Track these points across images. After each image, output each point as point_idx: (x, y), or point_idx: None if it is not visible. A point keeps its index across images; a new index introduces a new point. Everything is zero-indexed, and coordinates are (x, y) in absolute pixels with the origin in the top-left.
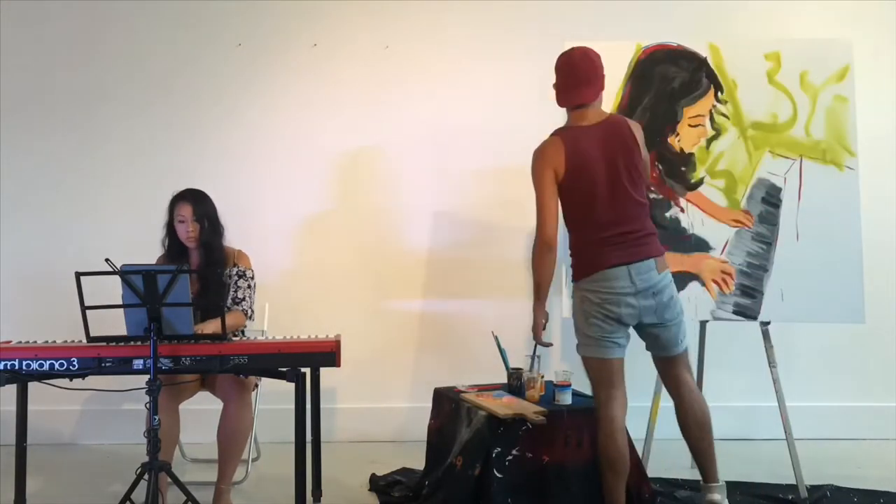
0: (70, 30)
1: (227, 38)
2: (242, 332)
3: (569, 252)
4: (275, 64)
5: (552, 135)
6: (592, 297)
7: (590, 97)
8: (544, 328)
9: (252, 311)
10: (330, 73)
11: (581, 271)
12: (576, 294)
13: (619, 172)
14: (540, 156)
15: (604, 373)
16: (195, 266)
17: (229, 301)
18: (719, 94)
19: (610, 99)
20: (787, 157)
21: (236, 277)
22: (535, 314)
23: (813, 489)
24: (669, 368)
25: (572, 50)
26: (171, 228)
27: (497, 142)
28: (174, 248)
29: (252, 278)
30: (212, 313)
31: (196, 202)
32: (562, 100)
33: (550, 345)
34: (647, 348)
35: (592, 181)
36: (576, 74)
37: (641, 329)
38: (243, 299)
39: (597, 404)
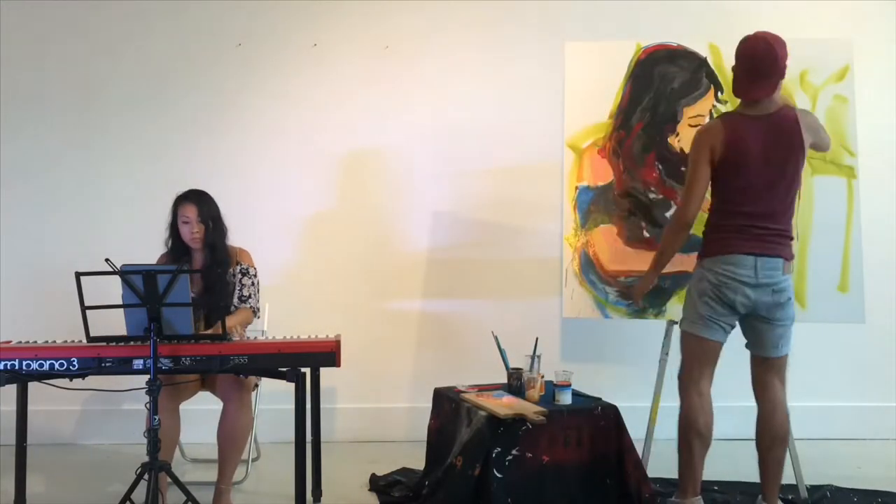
0: (69, 30)
1: (227, 38)
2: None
3: (703, 229)
4: (275, 64)
5: (717, 117)
6: (711, 277)
7: (765, 93)
8: (646, 294)
9: (258, 307)
10: (330, 73)
11: (709, 249)
12: (696, 271)
13: (777, 170)
14: (698, 137)
15: (702, 351)
16: (199, 266)
17: (235, 300)
18: (719, 94)
19: (610, 99)
20: None
21: (240, 275)
22: (646, 277)
23: (813, 489)
24: (762, 371)
25: (756, 39)
26: (174, 229)
27: (497, 142)
28: (177, 248)
29: (255, 275)
30: (216, 313)
31: (200, 203)
32: (737, 90)
33: (642, 307)
34: (747, 346)
35: (746, 174)
36: (756, 68)
37: (748, 322)
38: (249, 296)
39: (686, 379)
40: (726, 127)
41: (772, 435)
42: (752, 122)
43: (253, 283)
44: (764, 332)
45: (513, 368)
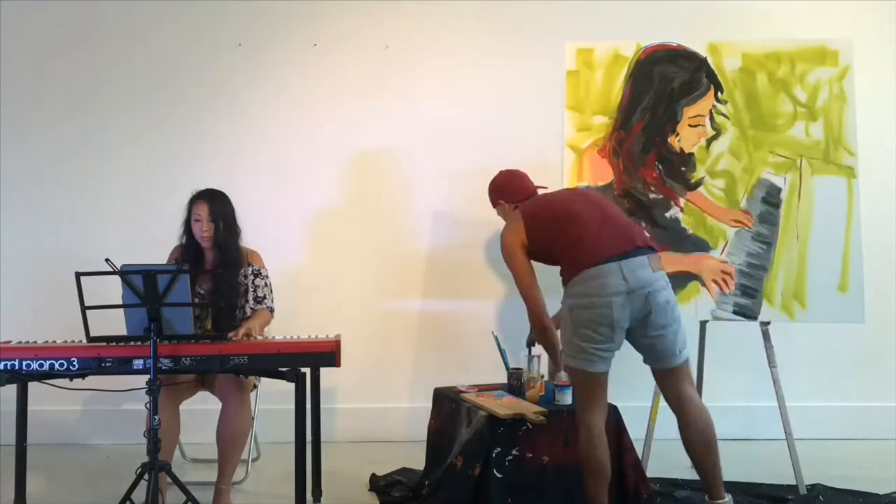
0: (70, 29)
1: (227, 38)
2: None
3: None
4: (275, 64)
5: (509, 219)
6: (580, 302)
7: (532, 187)
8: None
9: (273, 307)
10: (330, 72)
11: (569, 272)
12: (565, 303)
13: (593, 205)
14: (505, 237)
15: (588, 385)
16: (209, 266)
17: (251, 301)
18: (719, 94)
19: (610, 99)
20: (786, 157)
21: (252, 277)
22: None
23: (811, 488)
24: (669, 382)
25: (499, 176)
26: (188, 226)
27: (497, 141)
28: (191, 246)
29: (267, 276)
30: (224, 312)
31: (213, 202)
32: (511, 204)
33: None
34: (644, 361)
35: (566, 207)
36: (510, 184)
37: (635, 338)
38: (264, 297)
39: (578, 411)
40: (522, 210)
41: (704, 442)
42: (545, 195)
43: (266, 284)
44: (655, 346)
45: (513, 368)
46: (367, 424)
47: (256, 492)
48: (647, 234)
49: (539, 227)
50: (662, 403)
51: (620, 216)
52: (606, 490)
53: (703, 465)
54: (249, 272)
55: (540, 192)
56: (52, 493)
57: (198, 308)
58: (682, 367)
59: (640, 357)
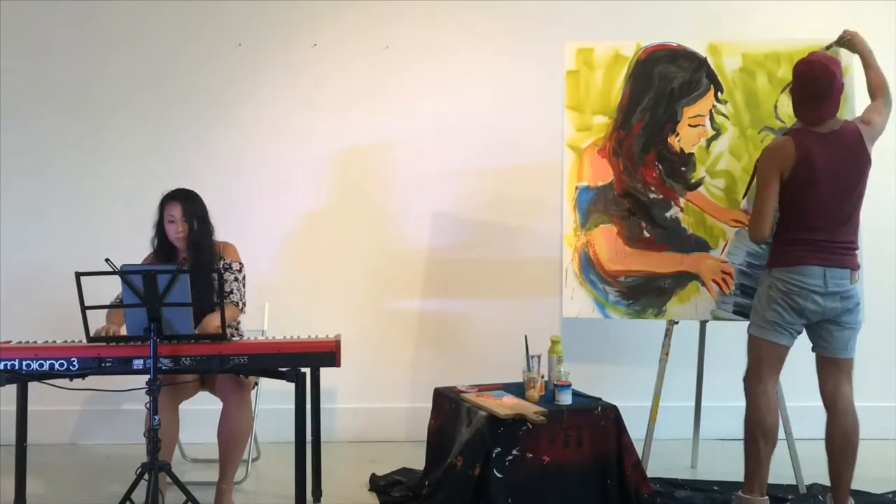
0: (69, 29)
1: (227, 38)
2: (241, 333)
3: (772, 239)
4: (275, 64)
5: (784, 134)
6: (780, 286)
7: (828, 114)
8: None
9: (243, 301)
10: (330, 72)
11: (779, 260)
12: (765, 279)
13: (843, 186)
14: (768, 155)
15: (769, 355)
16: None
17: (215, 297)
18: (719, 94)
19: (610, 99)
20: None
21: (222, 271)
22: None
23: (810, 488)
24: (831, 373)
25: (813, 60)
26: (160, 228)
27: (497, 142)
28: (163, 247)
29: (239, 270)
30: (206, 312)
31: (185, 202)
32: (799, 113)
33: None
34: (814, 349)
35: (815, 189)
36: (816, 90)
37: (818, 327)
38: (231, 292)
39: (753, 379)
40: (796, 141)
41: (844, 442)
42: (820, 139)
43: (237, 279)
44: (833, 332)
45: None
46: (367, 424)
47: (256, 492)
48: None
49: (800, 176)
50: (662, 403)
51: (851, 241)
52: (770, 458)
53: (836, 469)
54: (220, 266)
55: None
56: (52, 493)
57: None
58: (846, 362)
59: (639, 358)
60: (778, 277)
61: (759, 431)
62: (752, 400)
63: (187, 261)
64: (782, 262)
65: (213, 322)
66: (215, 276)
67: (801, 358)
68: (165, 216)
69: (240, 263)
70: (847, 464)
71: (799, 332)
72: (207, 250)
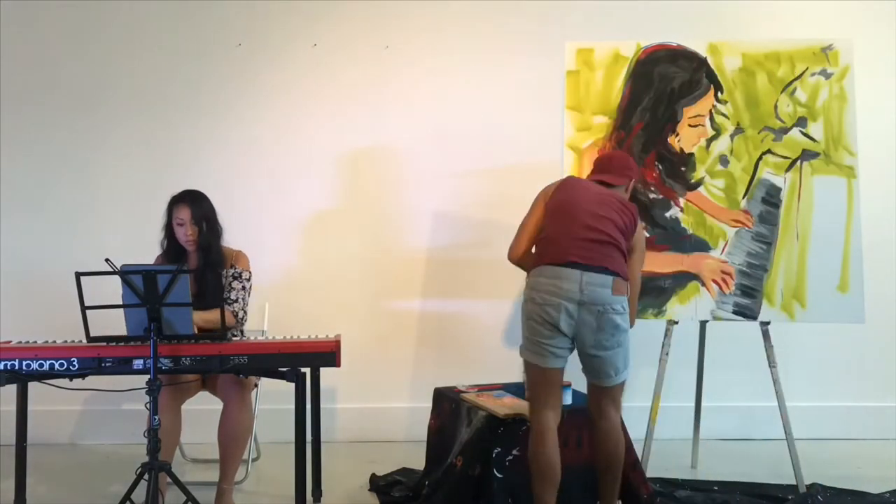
0: (69, 29)
1: (227, 38)
2: (242, 332)
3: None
4: (275, 64)
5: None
6: (535, 297)
7: (613, 180)
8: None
9: (244, 312)
10: (330, 73)
11: (534, 263)
12: (524, 291)
13: (605, 209)
14: (541, 192)
15: (539, 380)
16: (193, 268)
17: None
18: (719, 94)
19: (610, 99)
20: (786, 157)
21: (231, 279)
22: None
23: (809, 487)
24: (596, 396)
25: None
26: (169, 230)
27: (497, 141)
28: (172, 249)
29: (248, 280)
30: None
31: (194, 204)
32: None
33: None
34: (582, 370)
35: (574, 204)
36: (608, 162)
37: (577, 348)
38: (235, 301)
39: (530, 408)
40: (564, 182)
41: (606, 460)
42: (592, 183)
43: (243, 287)
44: (592, 360)
45: None
46: (367, 424)
47: (256, 492)
48: (623, 268)
49: (559, 198)
50: (662, 403)
51: (611, 237)
52: (555, 494)
53: (603, 480)
54: (230, 273)
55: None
56: (52, 493)
57: None
58: (611, 389)
59: (639, 358)
60: (531, 285)
61: (534, 469)
62: (530, 434)
63: (198, 263)
64: (536, 262)
65: (209, 314)
66: (224, 279)
67: (801, 358)
68: (174, 219)
69: (249, 273)
70: (611, 477)
71: (568, 351)
72: (216, 252)
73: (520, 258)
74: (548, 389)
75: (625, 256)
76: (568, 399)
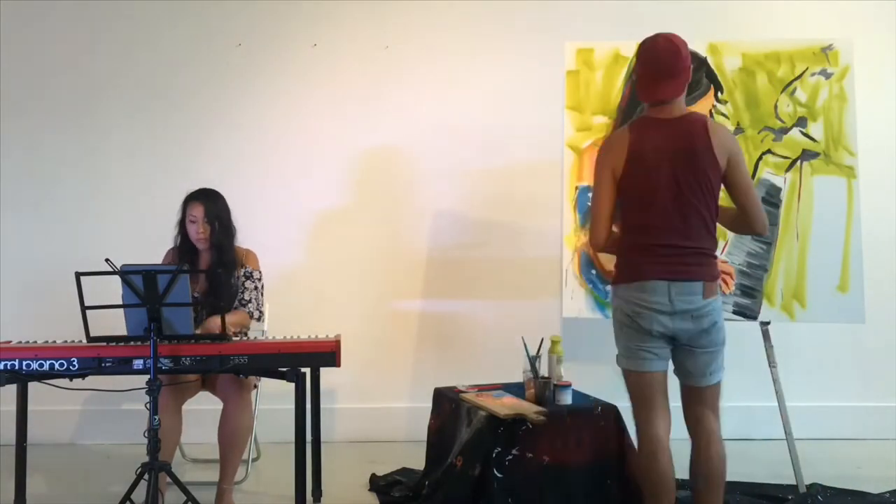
0: (69, 29)
1: (227, 38)
2: (245, 333)
3: (612, 250)
4: (275, 64)
5: (624, 125)
6: (625, 308)
7: (670, 93)
8: None
9: (261, 311)
10: (330, 73)
11: (620, 276)
12: (613, 300)
13: (682, 178)
14: (599, 152)
15: (641, 387)
16: (205, 266)
17: (236, 302)
18: (719, 94)
19: (610, 99)
20: (786, 157)
21: (244, 279)
22: None
23: (809, 487)
24: (692, 401)
25: (656, 37)
26: (183, 227)
27: (497, 142)
28: (185, 246)
29: (259, 279)
30: (219, 314)
31: (208, 203)
32: (641, 94)
33: None
34: (674, 372)
35: (652, 184)
36: (658, 66)
37: (673, 348)
38: (250, 301)
39: (636, 423)
40: (632, 132)
41: (707, 475)
42: (660, 126)
43: (256, 288)
44: (687, 359)
45: (542, 377)
46: (367, 424)
47: (256, 492)
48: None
49: (632, 170)
50: None
51: (697, 246)
52: None
53: (700, 499)
54: (242, 273)
55: (660, 107)
56: (52, 493)
57: (194, 312)
58: (708, 389)
59: None
60: (621, 297)
61: (647, 485)
62: (639, 447)
63: (210, 261)
64: (624, 278)
65: (233, 316)
66: (236, 279)
67: (801, 358)
68: (187, 216)
69: (259, 272)
70: (712, 497)
71: (666, 352)
72: (228, 251)
73: (603, 246)
74: (653, 398)
75: (713, 233)
76: (568, 399)
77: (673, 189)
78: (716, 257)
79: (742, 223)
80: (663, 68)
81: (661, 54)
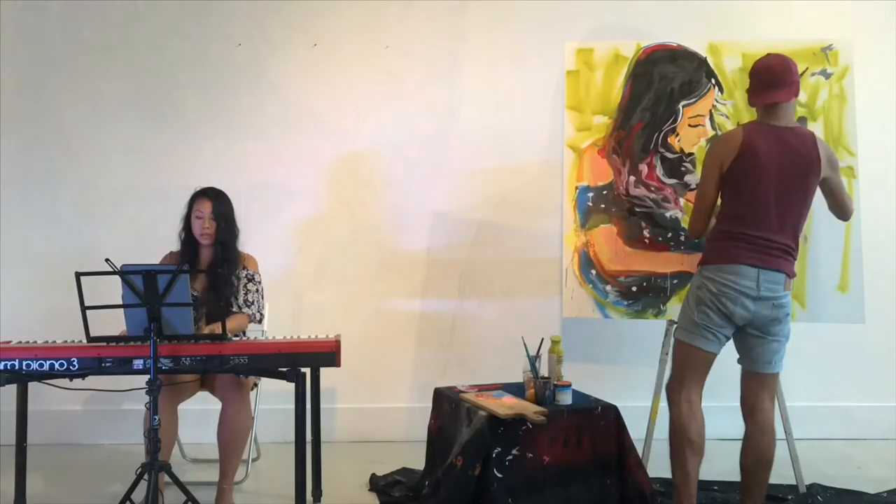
0: (70, 29)
1: (227, 38)
2: (244, 332)
3: (708, 235)
4: (275, 64)
5: (739, 125)
6: (711, 287)
7: (783, 97)
8: None
9: (262, 314)
10: (330, 73)
11: (712, 257)
12: (696, 278)
13: (788, 183)
14: (711, 146)
15: (694, 361)
16: (206, 264)
17: (240, 303)
18: (719, 94)
19: (610, 99)
20: None
21: (245, 281)
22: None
23: (809, 487)
24: (753, 388)
25: (769, 55)
26: (187, 223)
27: (497, 142)
28: (188, 243)
29: (259, 283)
30: (217, 312)
31: (216, 200)
32: (754, 99)
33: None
34: (739, 360)
35: (758, 180)
36: (771, 74)
37: (743, 335)
38: (252, 303)
39: (676, 387)
40: (744, 134)
41: (757, 457)
42: (771, 132)
43: (257, 290)
44: (755, 346)
45: (542, 377)
46: (367, 424)
47: (256, 492)
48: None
49: (741, 167)
50: (662, 403)
51: (787, 245)
52: (698, 468)
53: (750, 483)
54: (243, 275)
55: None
56: (52, 493)
57: (194, 310)
58: (770, 377)
59: (639, 358)
60: (708, 276)
61: (685, 440)
62: (675, 407)
63: (212, 259)
64: (716, 259)
65: (232, 322)
66: (236, 280)
67: (801, 358)
68: (194, 211)
69: (259, 276)
70: (759, 479)
71: (727, 338)
72: (231, 249)
73: (699, 236)
74: (700, 371)
75: (799, 236)
76: (568, 399)
77: (777, 189)
78: (795, 258)
79: (835, 213)
80: (775, 76)
81: (775, 66)
